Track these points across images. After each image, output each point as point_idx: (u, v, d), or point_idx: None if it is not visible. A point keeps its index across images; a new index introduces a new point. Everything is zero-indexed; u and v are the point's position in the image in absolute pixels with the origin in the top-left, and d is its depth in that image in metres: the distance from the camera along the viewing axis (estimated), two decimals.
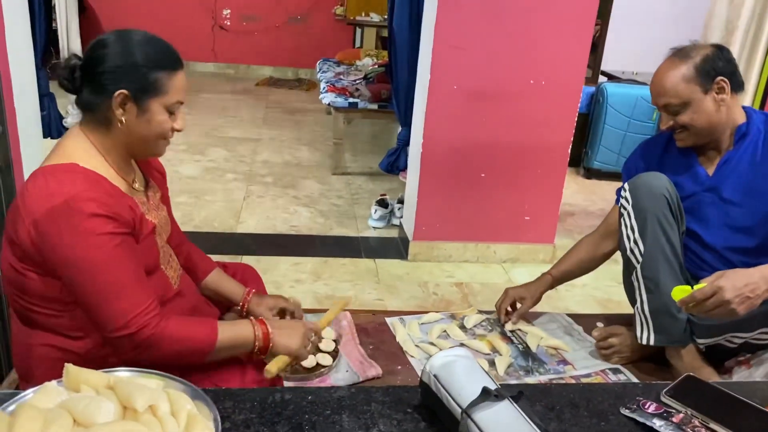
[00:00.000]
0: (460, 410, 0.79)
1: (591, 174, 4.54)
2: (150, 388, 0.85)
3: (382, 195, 3.53)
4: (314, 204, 3.70)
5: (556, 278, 1.98)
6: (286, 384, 1.50)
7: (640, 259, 1.70)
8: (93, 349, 1.24)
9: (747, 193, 1.67)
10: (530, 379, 1.69)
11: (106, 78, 1.22)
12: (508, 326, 1.92)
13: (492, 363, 1.74)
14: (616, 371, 1.75)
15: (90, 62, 1.23)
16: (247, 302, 1.61)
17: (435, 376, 0.83)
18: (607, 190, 4.34)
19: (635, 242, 1.71)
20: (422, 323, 1.90)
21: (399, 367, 1.70)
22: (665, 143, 1.85)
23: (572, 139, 2.99)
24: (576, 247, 2.00)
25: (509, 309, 1.98)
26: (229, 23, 6.52)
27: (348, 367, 1.64)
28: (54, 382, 0.89)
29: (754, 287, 1.33)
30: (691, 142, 1.73)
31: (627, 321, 2.01)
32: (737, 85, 1.65)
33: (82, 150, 1.25)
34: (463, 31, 2.72)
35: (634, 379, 1.71)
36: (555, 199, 3.08)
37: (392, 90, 3.22)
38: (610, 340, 1.80)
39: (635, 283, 1.73)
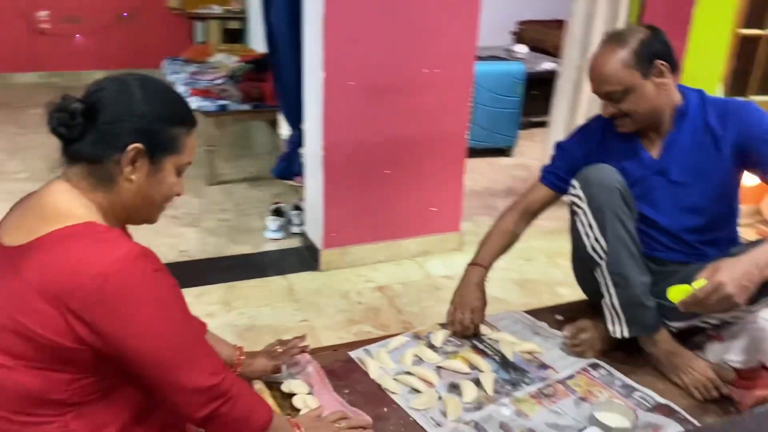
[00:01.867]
0: None
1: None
2: None
3: (275, 203, 3.28)
4: (198, 222, 3.36)
5: (487, 267, 1.92)
6: None
7: (603, 256, 1.67)
8: None
9: (694, 173, 1.70)
10: (519, 393, 1.61)
11: (117, 128, 1.06)
12: (493, 334, 1.82)
13: (477, 382, 1.64)
14: (595, 366, 1.73)
15: (95, 108, 1.05)
16: (240, 364, 1.51)
17: None
18: (483, 166, 4.41)
19: (596, 240, 1.68)
20: (390, 351, 1.75)
21: (385, 410, 1.54)
22: (603, 128, 1.83)
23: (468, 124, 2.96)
24: (496, 230, 1.94)
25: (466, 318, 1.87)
26: (47, 26, 5.73)
27: None
28: None
29: (749, 276, 1.34)
30: (633, 128, 1.72)
31: (579, 308, 2.02)
32: (674, 66, 1.66)
33: (84, 209, 1.06)
34: (354, 23, 2.56)
35: (616, 373, 1.70)
36: (458, 186, 3.05)
37: (277, 91, 2.98)
38: (581, 336, 1.77)
39: (601, 279, 1.70)
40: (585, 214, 1.68)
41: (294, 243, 3.18)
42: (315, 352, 1.73)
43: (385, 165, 2.83)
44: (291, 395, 1.52)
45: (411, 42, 2.67)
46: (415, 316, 2.58)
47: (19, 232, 1.04)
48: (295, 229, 3.22)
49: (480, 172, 4.33)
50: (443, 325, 1.89)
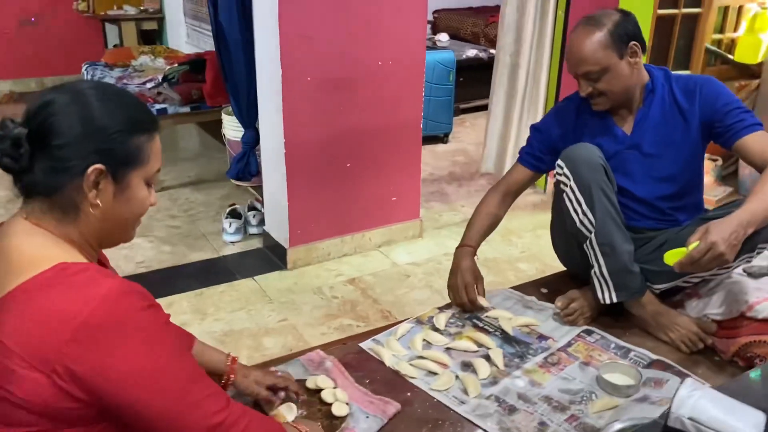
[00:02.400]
0: None
1: None
2: None
3: (231, 205, 3.23)
4: (150, 231, 3.24)
5: (474, 246, 2.00)
6: None
7: (591, 229, 1.77)
8: None
9: (664, 144, 1.83)
10: (528, 365, 1.70)
11: (71, 151, 0.92)
12: (490, 312, 1.89)
13: (487, 358, 1.70)
14: (589, 332, 1.84)
15: (43, 131, 0.92)
16: (234, 372, 1.42)
17: (691, 419, 0.77)
18: (424, 154, 4.42)
19: (584, 214, 1.77)
20: (399, 338, 1.78)
21: (408, 394, 1.58)
22: (577, 108, 1.94)
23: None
24: (481, 211, 2.01)
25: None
26: None
27: (365, 413, 1.48)
28: None
29: (737, 234, 1.47)
30: (608, 106, 1.83)
31: (561, 279, 2.13)
32: (644, 47, 1.78)
33: (53, 248, 0.93)
34: (308, 19, 2.56)
35: (609, 336, 1.81)
36: (415, 174, 3.11)
37: (229, 91, 2.92)
38: (572, 306, 1.87)
39: (590, 251, 1.81)
40: (573, 191, 1.78)
41: (254, 244, 3.14)
42: (326, 348, 1.74)
43: (345, 158, 2.85)
44: (317, 391, 1.53)
45: (364, 35, 2.70)
46: (391, 305, 2.63)
47: None
48: (254, 230, 3.18)
49: (423, 161, 4.40)
50: (442, 308, 1.94)
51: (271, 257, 2.99)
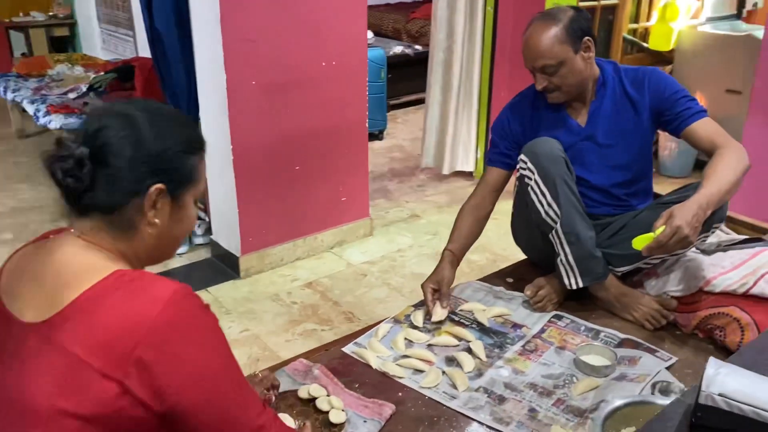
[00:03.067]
0: None
1: None
2: None
3: None
4: None
5: (456, 252, 2.02)
6: None
7: (557, 219, 1.84)
8: None
9: (617, 134, 1.92)
10: (508, 354, 1.75)
11: (133, 170, 0.95)
12: (464, 305, 1.91)
13: (469, 351, 1.74)
14: (559, 318, 1.91)
15: (105, 150, 0.93)
16: None
17: (721, 395, 0.81)
18: (376, 147, 4.50)
19: (549, 206, 1.84)
20: (380, 339, 1.79)
21: (399, 394, 1.58)
22: (532, 102, 2.00)
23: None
24: (462, 216, 2.05)
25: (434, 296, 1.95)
26: None
27: (362, 418, 1.48)
28: None
29: (698, 217, 1.56)
30: (563, 99, 1.90)
31: (523, 268, 2.19)
32: (595, 42, 1.87)
33: (106, 261, 0.94)
34: (250, 22, 2.52)
35: (578, 320, 1.89)
36: (363, 173, 3.12)
37: (167, 98, 2.82)
38: (540, 293, 1.94)
39: (555, 240, 1.87)
40: (537, 184, 1.84)
41: (202, 254, 3.06)
42: (309, 356, 1.72)
43: (293, 161, 2.82)
44: (311, 400, 1.51)
45: (307, 36, 2.68)
46: (353, 306, 2.63)
47: (39, 303, 0.91)
48: (200, 240, 3.10)
49: None
50: (416, 306, 1.96)
51: (222, 267, 2.92)
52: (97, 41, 5.07)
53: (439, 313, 1.86)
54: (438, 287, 1.91)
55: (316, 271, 2.91)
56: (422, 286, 1.93)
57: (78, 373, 0.85)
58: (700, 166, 3.89)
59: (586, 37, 1.81)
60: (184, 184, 1.00)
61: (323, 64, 2.77)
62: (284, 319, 2.55)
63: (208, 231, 3.05)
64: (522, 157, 1.87)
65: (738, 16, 4.28)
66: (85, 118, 0.98)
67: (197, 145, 1.03)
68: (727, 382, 0.83)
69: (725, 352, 1.70)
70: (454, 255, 1.99)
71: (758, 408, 0.81)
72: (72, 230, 0.97)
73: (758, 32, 3.58)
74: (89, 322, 0.87)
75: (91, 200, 0.94)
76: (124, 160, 0.93)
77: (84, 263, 0.93)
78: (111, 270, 0.91)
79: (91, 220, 0.96)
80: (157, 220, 0.97)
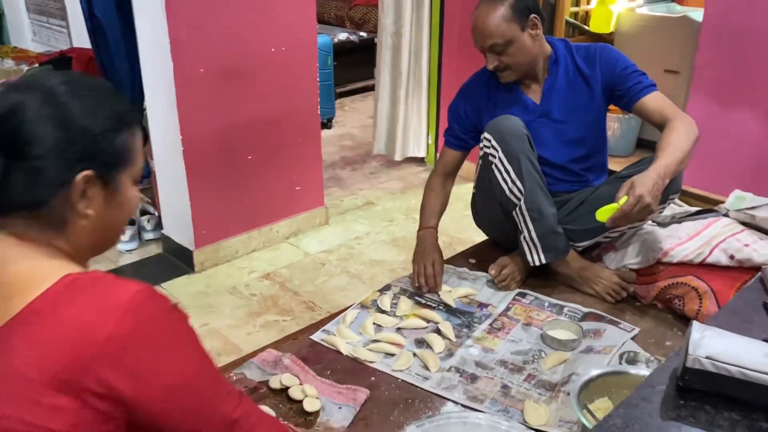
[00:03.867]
0: None
1: None
2: None
3: None
4: None
5: (435, 227, 2.04)
6: None
7: (520, 196, 1.85)
8: None
9: (571, 110, 1.95)
10: (477, 333, 1.75)
11: (53, 159, 0.81)
12: (446, 295, 1.91)
13: (438, 332, 1.74)
14: (523, 295, 1.93)
15: (16, 139, 0.79)
16: None
17: (708, 357, 0.83)
18: (325, 135, 4.43)
19: (513, 183, 1.85)
20: (349, 325, 1.77)
21: (373, 379, 1.57)
22: (486, 83, 2.01)
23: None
24: (430, 194, 2.06)
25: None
26: None
27: (336, 404, 1.46)
28: None
29: (658, 186, 1.60)
30: (515, 77, 1.92)
31: (485, 249, 2.21)
32: (543, 20, 1.88)
33: (45, 261, 0.82)
34: (196, 8, 2.43)
35: (541, 296, 1.92)
36: (317, 161, 3.07)
37: None
38: (504, 272, 1.95)
39: (519, 217, 1.89)
40: (501, 161, 1.84)
41: (153, 250, 2.96)
42: (277, 346, 1.69)
43: (246, 151, 2.76)
44: (283, 390, 1.48)
45: (255, 21, 2.61)
46: (313, 295, 2.59)
47: None
48: (150, 236, 3.00)
49: None
50: (381, 290, 1.95)
51: (175, 262, 2.83)
52: (26, 33, 4.83)
53: (447, 294, 1.91)
54: (434, 265, 1.93)
55: (273, 262, 2.85)
56: (418, 261, 1.95)
57: (29, 392, 0.75)
58: (641, 145, 4.01)
59: (533, 15, 1.84)
60: (116, 166, 0.87)
61: (273, 50, 2.70)
62: (244, 311, 2.49)
63: (159, 226, 2.95)
64: (486, 135, 1.88)
65: None
66: None
67: (127, 120, 0.89)
68: (713, 344, 0.84)
69: (684, 321, 1.76)
70: (436, 231, 2.02)
71: (744, 368, 0.83)
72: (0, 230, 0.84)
73: (692, 13, 3.70)
74: (37, 337, 0.77)
75: (8, 198, 0.81)
76: (47, 147, 0.80)
77: (24, 269, 0.81)
78: (59, 275, 0.80)
79: (14, 218, 0.83)
80: (90, 211, 0.85)
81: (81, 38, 3.69)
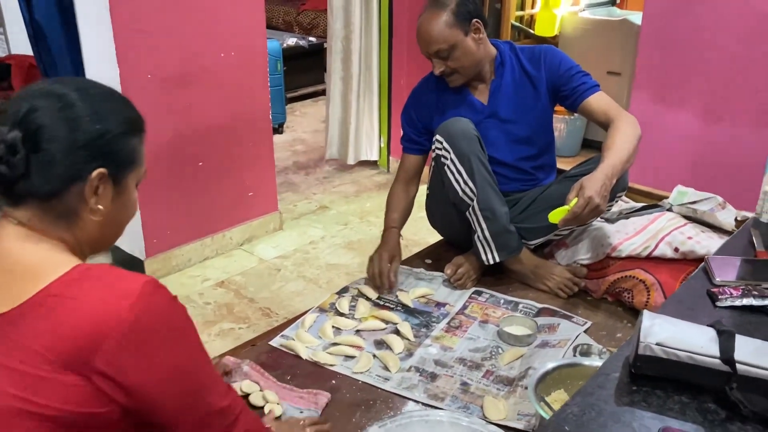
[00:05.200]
0: (718, 360, 0.84)
1: None
2: None
3: None
4: None
5: (398, 227, 2.06)
6: None
7: (473, 197, 1.89)
8: None
9: (518, 109, 1.99)
10: (435, 332, 1.77)
11: (72, 155, 0.89)
12: (404, 296, 1.92)
13: (398, 333, 1.75)
14: (479, 293, 1.96)
15: (38, 134, 0.87)
16: None
17: (658, 344, 0.86)
18: (277, 140, 4.39)
19: (465, 184, 1.88)
20: (308, 329, 1.76)
21: (333, 382, 1.57)
22: (434, 87, 2.04)
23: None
24: (393, 199, 2.08)
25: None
26: None
27: (298, 409, 1.45)
28: None
29: (606, 186, 1.65)
30: (462, 81, 1.96)
31: (440, 249, 2.24)
32: (485, 24, 1.93)
33: (56, 251, 0.90)
34: (142, 13, 2.39)
35: (497, 294, 1.95)
36: (270, 166, 3.05)
37: None
38: (459, 271, 1.98)
39: (472, 217, 1.92)
40: (453, 163, 1.87)
41: (102, 260, 2.88)
42: (236, 353, 1.67)
43: (197, 157, 2.72)
44: (244, 397, 1.47)
45: (203, 27, 2.58)
46: (269, 302, 2.57)
47: None
48: None
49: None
50: (339, 293, 1.95)
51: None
52: None
53: (404, 294, 1.93)
54: (391, 261, 1.95)
55: (227, 269, 2.82)
56: (376, 259, 1.96)
57: (35, 369, 0.82)
58: (587, 145, 4.13)
59: (475, 20, 1.88)
60: (126, 167, 0.96)
61: (222, 54, 2.68)
62: (198, 320, 2.45)
63: None
64: (437, 137, 1.90)
65: (613, 2, 4.56)
66: (11, 100, 0.91)
67: (137, 125, 0.99)
68: (663, 331, 0.88)
69: (634, 313, 1.82)
70: (397, 231, 2.05)
71: (692, 352, 0.86)
72: (10, 219, 0.91)
73: (632, 17, 3.83)
74: (53, 318, 0.83)
75: (26, 188, 0.88)
76: (61, 144, 0.88)
77: (38, 256, 0.88)
78: (71, 264, 0.87)
79: (27, 208, 0.90)
80: (100, 206, 0.93)
81: (20, 45, 3.57)
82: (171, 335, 0.88)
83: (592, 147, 4.01)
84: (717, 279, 1.19)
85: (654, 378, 0.90)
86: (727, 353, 0.85)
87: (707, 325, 0.91)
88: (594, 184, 1.63)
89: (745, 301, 1.11)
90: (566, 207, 1.64)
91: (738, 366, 0.85)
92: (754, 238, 1.37)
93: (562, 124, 4.08)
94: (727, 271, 1.21)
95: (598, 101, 1.91)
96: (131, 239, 2.71)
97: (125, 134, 0.96)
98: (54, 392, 0.82)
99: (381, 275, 1.91)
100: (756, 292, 1.13)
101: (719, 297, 1.13)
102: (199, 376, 0.93)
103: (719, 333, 0.88)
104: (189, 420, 0.92)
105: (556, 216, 1.66)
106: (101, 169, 0.91)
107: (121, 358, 0.83)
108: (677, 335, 0.87)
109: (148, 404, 0.88)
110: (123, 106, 0.99)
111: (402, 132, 2.11)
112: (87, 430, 0.86)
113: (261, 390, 1.49)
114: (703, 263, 1.28)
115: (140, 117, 1.02)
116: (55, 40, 2.46)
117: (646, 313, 0.92)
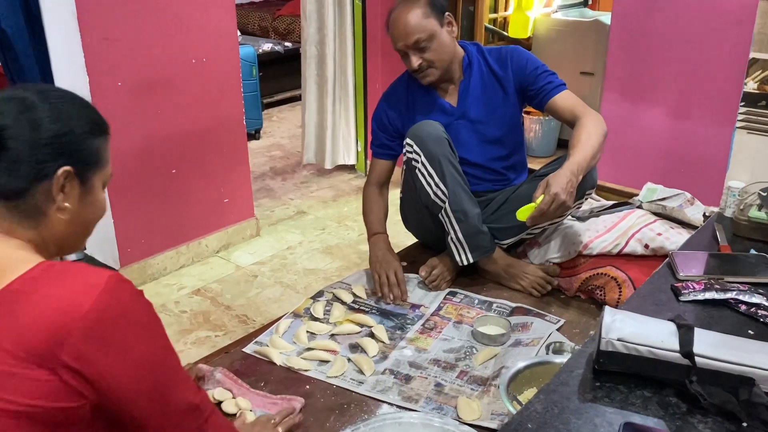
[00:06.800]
0: (678, 354, 0.85)
1: None
2: None
3: None
4: None
5: (384, 232, 2.06)
6: None
7: (445, 199, 1.89)
8: None
9: (488, 110, 2.01)
10: (409, 334, 1.78)
11: (37, 153, 0.91)
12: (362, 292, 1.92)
13: (373, 336, 1.75)
14: (453, 294, 1.97)
15: (3, 134, 0.89)
16: None
17: (620, 339, 0.87)
18: (253, 146, 4.39)
19: (437, 186, 1.89)
20: (282, 335, 1.75)
21: (308, 387, 1.56)
22: (405, 90, 2.05)
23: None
24: (369, 204, 2.09)
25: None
26: None
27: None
28: None
29: (572, 183, 1.67)
30: (435, 77, 1.95)
31: (416, 251, 2.24)
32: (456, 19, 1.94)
33: (20, 249, 0.90)
34: (111, 20, 2.37)
35: (471, 294, 1.96)
36: (245, 172, 3.04)
37: None
38: (434, 272, 1.99)
39: (445, 219, 1.93)
40: (424, 166, 1.88)
41: None
42: (208, 360, 1.66)
43: (170, 165, 2.70)
44: (217, 404, 1.46)
45: (174, 32, 2.57)
46: (246, 308, 2.56)
47: None
48: (72, 257, 2.87)
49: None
50: (314, 297, 1.95)
51: None
52: None
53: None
54: (396, 270, 1.95)
55: (203, 277, 2.80)
56: (379, 270, 1.95)
57: (6, 366, 0.81)
58: (562, 145, 4.16)
59: (447, 13, 1.90)
60: (91, 166, 0.97)
61: (193, 61, 2.66)
62: (174, 329, 2.43)
63: None
64: (407, 140, 1.91)
65: (585, 3, 4.61)
66: None
67: (101, 127, 1.00)
68: (623, 327, 0.89)
69: None
70: (386, 236, 2.05)
71: (652, 347, 0.87)
72: None
73: (603, 17, 3.87)
74: (15, 313, 0.83)
75: None
76: (24, 143, 0.89)
77: (1, 254, 0.89)
78: (35, 262, 0.88)
79: None
80: (67, 204, 0.94)
81: None
82: (137, 328, 0.88)
83: (568, 147, 4.04)
84: (681, 274, 1.21)
85: (617, 374, 0.91)
86: (686, 347, 0.86)
87: (669, 320, 0.92)
88: (560, 180, 1.65)
89: (708, 295, 1.13)
90: (533, 204, 1.65)
91: (697, 359, 0.86)
92: (717, 233, 1.39)
93: (536, 124, 4.11)
94: (690, 266, 1.23)
95: (564, 99, 1.93)
96: (105, 248, 2.68)
97: (88, 134, 0.97)
98: (23, 387, 0.81)
99: (392, 287, 1.92)
100: (718, 286, 1.14)
101: (682, 291, 1.14)
102: (167, 370, 0.93)
103: (679, 327, 0.89)
104: (159, 417, 0.91)
105: (523, 213, 1.67)
106: (67, 167, 0.92)
107: (87, 351, 0.83)
108: (638, 330, 0.88)
109: (117, 399, 0.88)
110: (85, 109, 0.99)
111: (372, 137, 2.12)
112: (62, 428, 0.86)
113: (234, 397, 1.48)
114: (667, 258, 1.29)
115: (103, 119, 1.02)
116: (21, 48, 2.43)
117: (607, 309, 0.93)
